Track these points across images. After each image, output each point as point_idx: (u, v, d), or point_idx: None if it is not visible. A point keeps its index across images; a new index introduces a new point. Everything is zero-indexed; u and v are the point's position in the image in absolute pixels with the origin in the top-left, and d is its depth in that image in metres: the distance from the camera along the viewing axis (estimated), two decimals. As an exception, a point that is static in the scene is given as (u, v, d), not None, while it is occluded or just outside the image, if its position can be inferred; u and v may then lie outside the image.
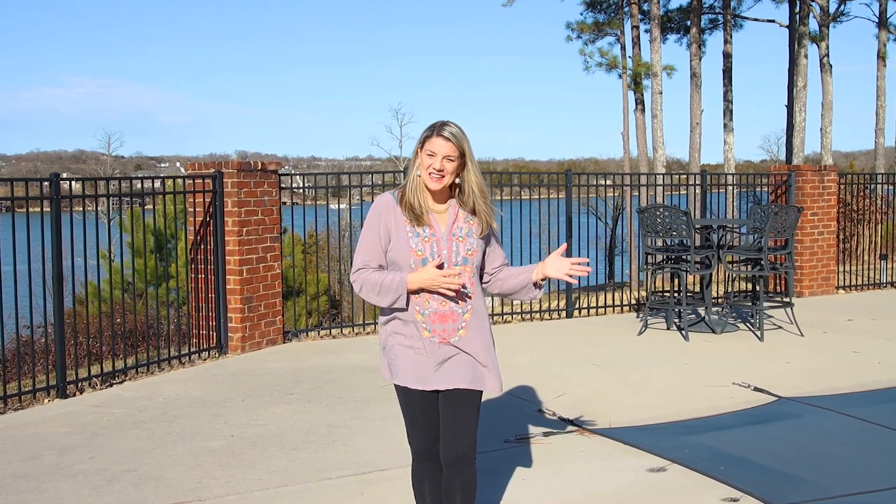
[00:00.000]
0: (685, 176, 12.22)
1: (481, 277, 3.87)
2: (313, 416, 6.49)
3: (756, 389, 7.02)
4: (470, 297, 3.71)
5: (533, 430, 5.98)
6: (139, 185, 9.87)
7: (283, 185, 9.31)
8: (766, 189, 12.71)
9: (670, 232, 9.25)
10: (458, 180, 3.72)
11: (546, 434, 5.90)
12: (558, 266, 3.73)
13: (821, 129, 25.78)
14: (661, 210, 9.31)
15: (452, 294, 3.65)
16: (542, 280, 3.81)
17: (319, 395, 7.09)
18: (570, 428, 6.07)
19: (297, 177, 9.99)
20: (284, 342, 9.27)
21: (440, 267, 3.62)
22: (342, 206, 10.49)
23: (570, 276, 3.71)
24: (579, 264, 3.71)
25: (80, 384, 7.52)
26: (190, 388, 7.41)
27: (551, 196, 11.30)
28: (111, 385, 7.67)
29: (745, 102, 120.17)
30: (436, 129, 3.67)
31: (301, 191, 10.26)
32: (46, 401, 7.21)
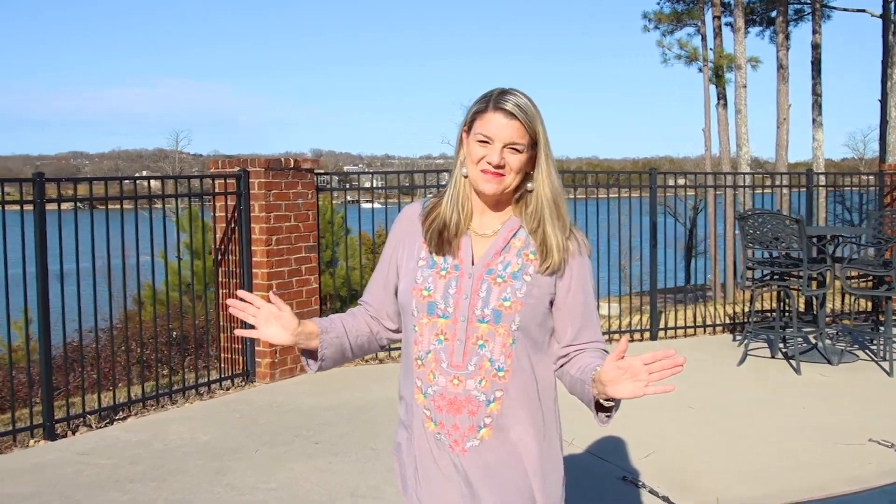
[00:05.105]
0: (787, 176, 10.65)
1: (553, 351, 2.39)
2: (337, 476, 5.17)
3: (902, 450, 5.51)
4: (503, 377, 2.26)
5: (616, 508, 4.58)
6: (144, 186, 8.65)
7: (319, 186, 8.03)
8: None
9: (777, 243, 7.74)
10: (529, 185, 2.32)
11: (634, 516, 4.50)
12: (626, 382, 2.06)
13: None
14: (766, 217, 7.81)
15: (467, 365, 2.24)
16: (609, 400, 2.20)
17: (350, 443, 5.78)
18: (665, 506, 4.65)
19: (335, 176, 8.69)
20: (322, 367, 7.98)
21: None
22: (377, 206, 9.18)
23: (651, 387, 2.05)
24: (660, 364, 2.04)
25: (72, 422, 6.34)
26: (199, 430, 6.17)
27: (632, 195, 9.84)
28: (112, 422, 6.48)
29: (829, 98, 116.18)
30: (492, 101, 2.25)
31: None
32: (32, 442, 6.05)
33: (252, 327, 2.32)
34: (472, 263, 2.30)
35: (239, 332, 2.36)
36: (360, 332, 2.47)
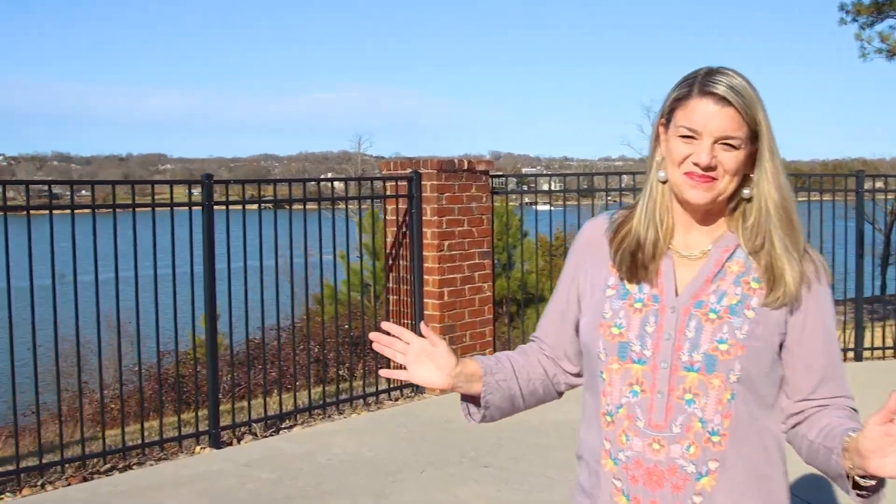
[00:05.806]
0: None
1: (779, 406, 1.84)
2: (507, 507, 4.74)
3: None
4: (719, 443, 1.73)
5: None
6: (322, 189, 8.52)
7: (494, 188, 7.63)
8: None
9: None
10: (748, 191, 1.78)
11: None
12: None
13: None
14: None
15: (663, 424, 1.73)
16: (867, 478, 1.60)
17: (522, 469, 5.34)
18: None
19: (511, 178, 8.27)
20: (493, 380, 7.59)
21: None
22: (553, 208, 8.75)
23: None
24: None
25: (237, 430, 6.19)
26: (364, 445, 5.88)
27: (835, 199, 8.94)
28: (277, 431, 6.29)
29: None
30: (698, 83, 1.73)
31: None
32: (198, 449, 5.93)
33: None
34: (676, 294, 1.79)
35: (384, 373, 1.95)
36: (533, 375, 2.00)
